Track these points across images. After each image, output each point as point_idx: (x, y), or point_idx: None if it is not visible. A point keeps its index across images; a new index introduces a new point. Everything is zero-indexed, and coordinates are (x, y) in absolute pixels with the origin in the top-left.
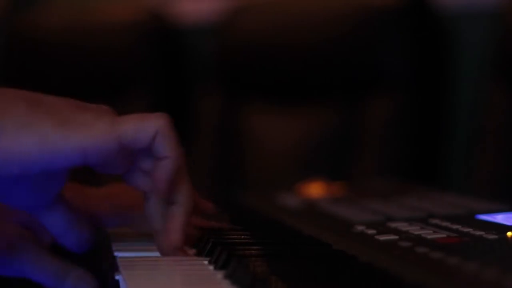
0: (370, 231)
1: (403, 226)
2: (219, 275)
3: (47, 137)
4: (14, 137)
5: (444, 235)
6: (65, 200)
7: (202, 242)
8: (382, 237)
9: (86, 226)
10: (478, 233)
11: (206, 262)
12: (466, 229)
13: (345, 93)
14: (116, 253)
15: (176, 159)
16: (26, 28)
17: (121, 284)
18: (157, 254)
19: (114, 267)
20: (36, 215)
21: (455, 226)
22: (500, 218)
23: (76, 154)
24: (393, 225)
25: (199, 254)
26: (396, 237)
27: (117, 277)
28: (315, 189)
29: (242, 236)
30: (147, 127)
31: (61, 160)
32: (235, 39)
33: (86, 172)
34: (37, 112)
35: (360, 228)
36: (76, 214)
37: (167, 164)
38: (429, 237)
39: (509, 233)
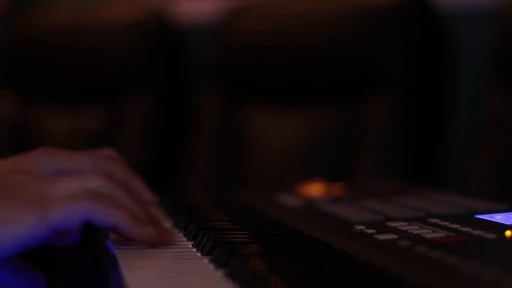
0: (370, 231)
1: (402, 225)
2: (220, 273)
3: None
4: None
5: (443, 235)
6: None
7: (203, 241)
8: (382, 237)
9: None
10: (477, 232)
11: (206, 261)
12: (465, 229)
13: (345, 93)
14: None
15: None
16: (26, 28)
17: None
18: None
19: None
20: None
21: (454, 226)
22: (499, 218)
23: (10, 248)
24: (393, 224)
25: (200, 253)
26: (396, 236)
27: (109, 243)
28: (315, 189)
29: (242, 235)
30: (75, 210)
31: None
32: (235, 39)
33: None
34: None
35: (359, 227)
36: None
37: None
38: (428, 236)
39: (507, 233)
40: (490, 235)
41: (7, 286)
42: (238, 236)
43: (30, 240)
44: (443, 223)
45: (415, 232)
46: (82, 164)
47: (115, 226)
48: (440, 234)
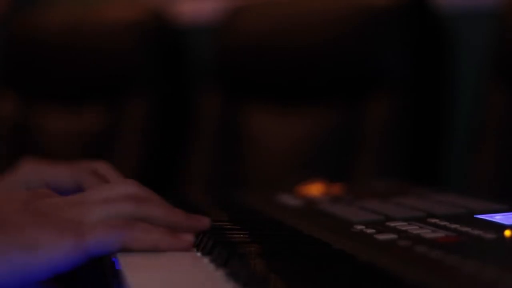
0: (369, 231)
1: (402, 225)
2: (220, 273)
3: (15, 265)
4: None
5: (443, 235)
6: None
7: (203, 241)
8: (381, 237)
9: None
10: (476, 232)
11: (207, 261)
12: (464, 229)
13: (345, 93)
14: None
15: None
16: (26, 28)
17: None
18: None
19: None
20: None
21: (453, 226)
22: (499, 218)
23: (45, 273)
24: (392, 224)
25: (200, 252)
26: (395, 236)
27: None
28: (315, 189)
29: (242, 235)
30: (111, 239)
31: (32, 279)
32: (235, 39)
33: None
34: (1, 236)
35: (359, 227)
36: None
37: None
38: (428, 236)
39: (507, 233)
40: (490, 235)
41: None
42: (238, 236)
43: (64, 266)
44: (443, 223)
45: (415, 232)
46: (65, 178)
47: (154, 248)
48: (440, 234)
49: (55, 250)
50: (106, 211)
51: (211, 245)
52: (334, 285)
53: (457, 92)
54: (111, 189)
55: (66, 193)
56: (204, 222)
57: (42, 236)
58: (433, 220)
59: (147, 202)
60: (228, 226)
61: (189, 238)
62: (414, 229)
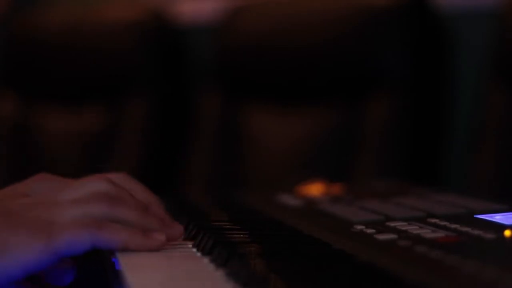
0: (369, 231)
1: (402, 225)
2: (220, 273)
3: None
4: None
5: (443, 235)
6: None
7: (203, 241)
8: (381, 237)
9: None
10: (476, 232)
11: (206, 261)
12: (464, 229)
13: (345, 93)
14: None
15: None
16: (26, 28)
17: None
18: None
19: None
20: None
21: (453, 226)
22: (499, 218)
23: (16, 275)
24: (392, 224)
25: (200, 252)
26: (395, 236)
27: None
28: (315, 189)
29: (242, 235)
30: (81, 238)
31: (4, 280)
32: (235, 39)
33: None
34: None
35: (359, 227)
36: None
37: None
38: (428, 236)
39: (507, 233)
40: (490, 235)
41: None
42: (238, 236)
43: (36, 266)
44: (443, 223)
45: (415, 232)
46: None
47: (124, 247)
48: (440, 234)
49: (26, 252)
50: (77, 211)
51: (211, 245)
52: (334, 285)
53: (457, 92)
54: (83, 187)
55: None
56: (176, 231)
57: (13, 237)
58: (433, 220)
59: (118, 202)
60: (228, 226)
61: (160, 237)
62: (414, 229)
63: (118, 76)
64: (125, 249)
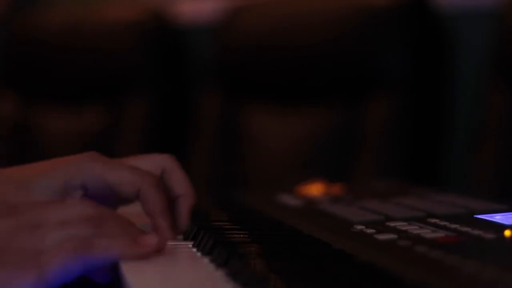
0: (369, 231)
1: (402, 225)
2: (220, 273)
3: None
4: None
5: (443, 235)
6: None
7: (203, 241)
8: (381, 237)
9: None
10: (476, 232)
11: (206, 261)
12: (464, 229)
13: (345, 93)
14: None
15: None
16: (26, 28)
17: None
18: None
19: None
20: None
21: (453, 226)
22: (499, 218)
23: None
24: (392, 224)
25: (200, 252)
26: (395, 236)
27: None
28: (315, 189)
29: (242, 235)
30: (74, 261)
31: None
32: (235, 39)
33: None
34: None
35: (359, 227)
36: None
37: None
38: (428, 236)
39: (507, 233)
40: (490, 235)
41: None
42: (238, 236)
43: None
44: (443, 223)
45: (415, 232)
46: (127, 186)
47: (116, 260)
48: (440, 234)
49: None
50: (63, 235)
51: (211, 245)
52: (334, 285)
53: (457, 92)
54: (66, 209)
55: (122, 200)
56: (147, 246)
57: (1, 275)
58: (433, 220)
59: (103, 223)
60: (228, 226)
61: (150, 241)
62: (414, 229)
63: (118, 76)
64: (119, 261)
